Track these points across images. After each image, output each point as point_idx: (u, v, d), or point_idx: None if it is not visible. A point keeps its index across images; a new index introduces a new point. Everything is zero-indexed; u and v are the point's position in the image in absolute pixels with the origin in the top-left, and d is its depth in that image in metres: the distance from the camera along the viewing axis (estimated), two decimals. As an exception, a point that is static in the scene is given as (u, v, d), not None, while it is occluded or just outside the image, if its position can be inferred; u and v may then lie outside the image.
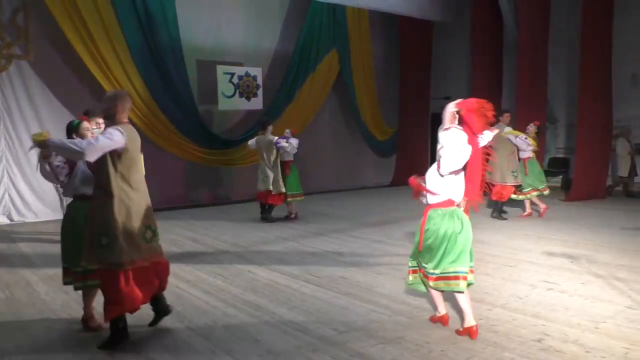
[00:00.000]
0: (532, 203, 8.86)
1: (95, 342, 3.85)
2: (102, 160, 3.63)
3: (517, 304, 4.56)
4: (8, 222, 8.94)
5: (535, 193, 8.66)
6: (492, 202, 8.71)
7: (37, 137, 3.67)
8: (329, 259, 6.32)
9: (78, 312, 4.29)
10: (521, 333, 3.91)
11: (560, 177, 12.58)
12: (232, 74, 11.12)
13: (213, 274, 5.72)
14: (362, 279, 5.43)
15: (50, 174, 3.94)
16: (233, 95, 11.18)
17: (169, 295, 4.95)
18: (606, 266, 5.69)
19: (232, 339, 3.92)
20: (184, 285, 5.31)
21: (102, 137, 3.60)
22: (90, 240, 3.73)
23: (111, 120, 3.81)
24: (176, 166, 10.62)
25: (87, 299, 4.12)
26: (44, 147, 3.66)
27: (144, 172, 3.97)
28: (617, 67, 10.80)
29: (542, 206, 8.73)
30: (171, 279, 5.44)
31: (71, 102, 9.20)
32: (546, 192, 8.78)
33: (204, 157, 10.80)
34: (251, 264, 6.17)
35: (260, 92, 11.54)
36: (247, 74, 11.35)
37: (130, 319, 4.23)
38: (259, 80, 11.51)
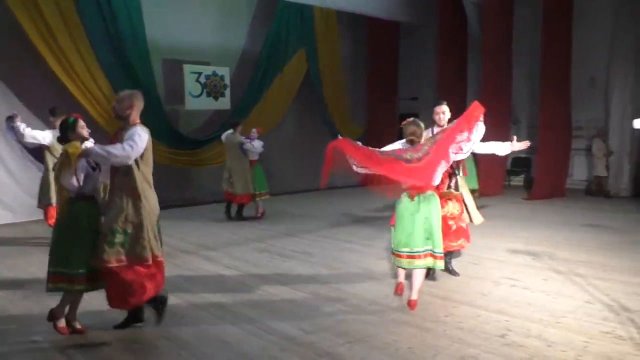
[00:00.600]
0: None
1: (56, 345, 3.76)
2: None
3: (482, 301, 4.66)
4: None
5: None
6: None
7: (75, 150, 3.70)
8: (298, 259, 6.32)
9: (39, 317, 4.17)
10: (485, 329, 4.00)
11: (523, 176, 12.91)
12: (199, 74, 10.99)
13: (180, 276, 5.64)
14: (331, 279, 5.45)
15: (74, 181, 3.77)
16: (200, 95, 11.05)
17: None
18: (566, 262, 5.87)
19: (199, 340, 3.88)
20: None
21: (139, 140, 3.72)
22: (103, 239, 3.75)
23: (125, 120, 3.87)
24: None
25: (66, 302, 3.96)
26: (85, 156, 3.70)
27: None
28: (576, 70, 11.16)
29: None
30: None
31: (32, 100, 8.91)
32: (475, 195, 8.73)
33: (170, 158, 10.63)
34: (219, 265, 6.12)
35: (227, 91, 11.44)
36: (215, 74, 11.24)
37: (91, 320, 4.16)
38: (227, 80, 11.41)
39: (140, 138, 3.75)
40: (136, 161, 3.76)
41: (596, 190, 11.16)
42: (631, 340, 3.74)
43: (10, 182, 8.76)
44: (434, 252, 4.36)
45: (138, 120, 3.92)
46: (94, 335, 3.99)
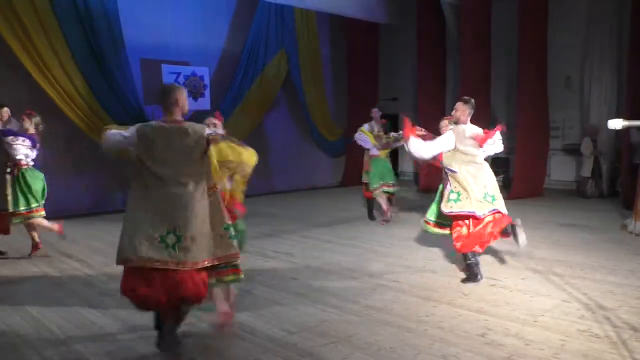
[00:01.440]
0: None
1: (33, 347, 3.70)
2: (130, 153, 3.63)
3: (462, 300, 4.72)
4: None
5: (383, 189, 8.39)
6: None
7: None
8: (279, 260, 6.32)
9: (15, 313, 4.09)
10: (466, 328, 4.05)
11: (502, 176, 13.07)
12: (178, 74, 10.91)
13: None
14: (313, 279, 5.46)
15: None
16: (179, 95, 10.95)
17: (111, 300, 4.83)
18: (544, 262, 5.96)
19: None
20: (130, 290, 5.18)
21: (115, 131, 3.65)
22: None
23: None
24: (123, 168, 10.29)
25: None
26: None
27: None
28: (552, 70, 11.33)
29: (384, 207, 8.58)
30: (114, 283, 5.32)
31: (7, 102, 8.71)
32: (391, 189, 8.51)
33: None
34: (200, 266, 6.07)
35: (207, 92, 11.37)
36: (194, 74, 11.17)
37: (68, 324, 4.10)
38: (206, 80, 11.34)
39: (121, 132, 3.63)
40: (135, 157, 3.56)
41: (580, 190, 11.07)
42: (607, 338, 3.82)
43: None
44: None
45: (169, 117, 3.70)
46: (72, 340, 3.94)
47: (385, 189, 8.46)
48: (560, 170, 12.19)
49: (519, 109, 11.15)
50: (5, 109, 6.49)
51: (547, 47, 11.09)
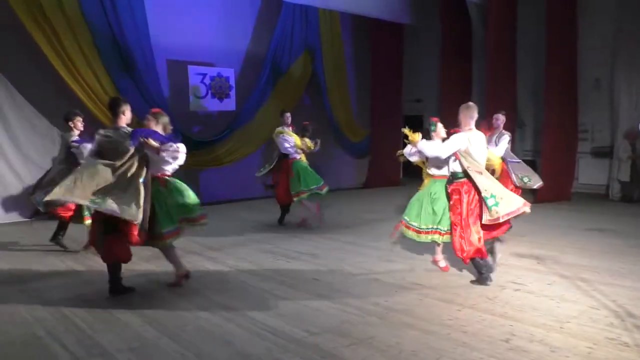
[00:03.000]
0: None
1: (57, 339, 3.77)
2: None
3: (486, 305, 4.64)
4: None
5: (304, 195, 8.29)
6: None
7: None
8: (301, 261, 6.32)
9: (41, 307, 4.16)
10: (490, 333, 3.98)
11: (528, 179, 12.84)
12: (204, 75, 11.01)
13: (184, 276, 5.65)
14: (335, 280, 5.45)
15: None
16: (205, 96, 11.08)
17: (137, 297, 4.90)
18: (571, 267, 5.84)
19: (202, 341, 3.88)
20: (153, 287, 5.25)
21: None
22: None
23: None
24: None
25: None
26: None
27: None
28: (581, 71, 11.09)
29: (312, 208, 8.53)
30: (140, 280, 5.42)
31: (37, 102, 8.96)
32: (304, 195, 8.29)
33: (175, 158, 10.63)
34: (223, 265, 6.13)
35: (232, 93, 11.46)
36: (219, 75, 11.26)
37: (94, 319, 4.15)
38: (232, 81, 11.43)
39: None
40: None
41: (622, 196, 10.75)
42: (637, 347, 3.71)
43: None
44: None
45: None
46: (97, 334, 4.01)
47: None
48: (589, 173, 11.93)
49: (546, 111, 10.95)
50: (78, 117, 6.55)
51: (576, 49, 10.86)
